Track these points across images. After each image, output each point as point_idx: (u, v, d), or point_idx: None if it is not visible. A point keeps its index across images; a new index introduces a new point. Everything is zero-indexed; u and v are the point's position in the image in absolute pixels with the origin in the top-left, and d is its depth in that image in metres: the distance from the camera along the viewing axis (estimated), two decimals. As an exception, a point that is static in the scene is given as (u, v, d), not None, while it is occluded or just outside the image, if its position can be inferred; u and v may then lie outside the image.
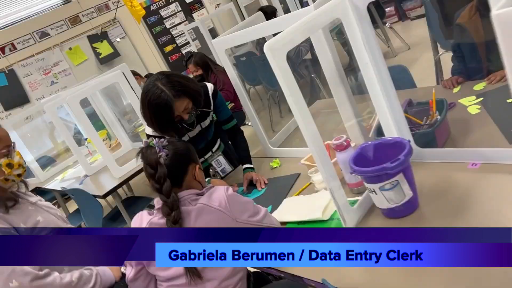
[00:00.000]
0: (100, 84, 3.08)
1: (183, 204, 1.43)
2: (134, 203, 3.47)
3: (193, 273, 1.38)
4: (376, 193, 1.35)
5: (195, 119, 2.07)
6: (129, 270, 1.51)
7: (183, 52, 7.56)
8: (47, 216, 1.57)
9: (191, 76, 4.21)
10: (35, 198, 1.67)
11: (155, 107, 1.85)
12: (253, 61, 5.01)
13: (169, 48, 7.55)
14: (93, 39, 6.82)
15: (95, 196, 3.09)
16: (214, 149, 2.28)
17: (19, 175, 1.56)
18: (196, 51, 5.73)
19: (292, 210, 1.67)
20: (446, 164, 1.54)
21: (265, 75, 4.82)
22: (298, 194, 1.82)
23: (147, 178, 1.49)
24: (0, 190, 1.54)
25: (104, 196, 3.03)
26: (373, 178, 1.33)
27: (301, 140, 2.33)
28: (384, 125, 1.59)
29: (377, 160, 1.44)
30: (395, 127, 1.57)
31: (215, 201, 1.42)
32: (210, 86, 2.15)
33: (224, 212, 1.41)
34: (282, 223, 1.60)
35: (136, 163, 3.17)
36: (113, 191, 3.06)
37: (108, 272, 1.62)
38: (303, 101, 1.32)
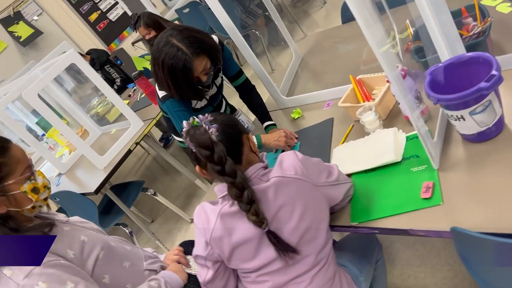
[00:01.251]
0: (56, 69, 2.66)
1: (254, 183, 1.22)
2: (125, 190, 3.19)
3: (291, 251, 1.20)
4: (464, 119, 1.22)
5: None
6: (204, 272, 1.31)
7: (110, 17, 6.90)
8: (89, 233, 1.31)
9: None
10: (61, 216, 1.39)
11: (172, 69, 1.60)
12: (200, 11, 4.62)
13: (94, 16, 6.84)
14: (7, 22, 6.01)
15: (84, 195, 2.77)
16: (223, 108, 2.05)
17: (45, 199, 1.28)
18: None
19: (351, 159, 1.51)
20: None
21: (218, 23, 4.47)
22: (344, 141, 1.65)
23: (198, 163, 1.25)
24: (25, 219, 1.25)
25: (97, 191, 2.71)
26: (461, 104, 1.18)
27: (316, 83, 2.16)
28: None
29: (450, 83, 1.30)
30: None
31: (289, 169, 1.23)
32: (214, 37, 1.87)
33: (303, 179, 1.23)
34: (347, 175, 1.45)
35: (119, 148, 2.86)
36: (104, 183, 2.75)
37: (175, 277, 1.41)
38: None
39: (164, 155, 3.26)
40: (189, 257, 1.56)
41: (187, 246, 1.62)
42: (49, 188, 1.30)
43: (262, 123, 1.98)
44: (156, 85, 1.86)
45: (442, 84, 1.31)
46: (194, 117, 1.22)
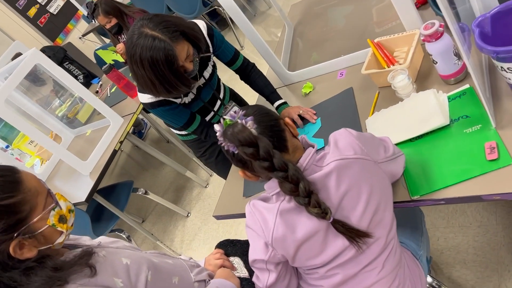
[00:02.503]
0: (20, 72, 2.36)
1: (312, 171, 1.09)
2: (113, 193, 2.97)
3: (364, 236, 1.09)
4: (523, 71, 1.13)
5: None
6: (264, 276, 1.18)
7: (51, 10, 6.39)
8: (128, 254, 1.14)
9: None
10: (86, 239, 1.22)
11: (152, 62, 1.40)
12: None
13: (32, 11, 6.29)
14: None
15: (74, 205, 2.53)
16: (221, 96, 1.88)
17: (72, 224, 1.09)
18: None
19: (392, 128, 1.41)
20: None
21: (176, 2, 4.21)
22: (373, 111, 1.55)
23: (243, 165, 1.10)
24: (56, 252, 1.06)
25: (87, 199, 2.49)
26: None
27: (321, 53, 2.02)
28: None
29: (497, 34, 1.21)
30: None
31: (347, 149, 1.11)
32: (201, 23, 1.69)
33: (364, 158, 1.11)
34: (391, 146, 1.34)
35: (102, 149, 2.64)
36: (94, 190, 2.53)
37: (228, 284, 1.27)
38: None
39: (150, 150, 3.05)
40: (231, 258, 1.43)
41: (225, 247, 1.48)
42: (73, 211, 1.12)
43: (272, 103, 1.83)
44: (137, 89, 1.66)
45: (489, 35, 1.22)
46: (224, 117, 1.06)
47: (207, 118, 1.84)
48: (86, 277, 0.99)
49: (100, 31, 5.55)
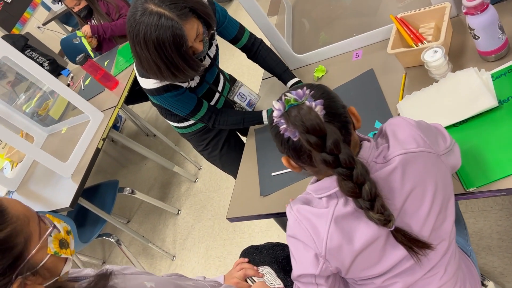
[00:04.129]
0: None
1: (372, 169, 0.94)
2: (97, 194, 2.73)
3: (424, 247, 0.95)
4: None
5: None
6: None
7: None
8: (149, 278, 0.95)
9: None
10: (88, 271, 1.03)
11: (158, 43, 1.23)
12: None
13: (-17, -1, 5.80)
14: None
15: (56, 212, 2.30)
16: (221, 84, 1.71)
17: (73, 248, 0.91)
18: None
19: (432, 112, 1.27)
20: None
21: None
22: (403, 94, 1.41)
23: (295, 153, 0.93)
24: (63, 285, 0.87)
25: (72, 204, 2.25)
26: None
27: (330, 33, 1.85)
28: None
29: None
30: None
31: (409, 142, 0.96)
32: None
33: (427, 150, 0.97)
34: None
35: (83, 148, 2.40)
36: (79, 194, 2.29)
37: None
38: None
39: (132, 145, 2.82)
40: (261, 268, 1.27)
41: (251, 255, 1.32)
42: (71, 232, 0.93)
43: (285, 83, 1.67)
44: (138, 74, 1.47)
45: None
46: (287, 93, 0.89)
47: (212, 103, 1.68)
48: None
49: (63, 19, 5.16)
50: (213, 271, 2.53)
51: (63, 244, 0.85)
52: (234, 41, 1.64)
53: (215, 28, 1.56)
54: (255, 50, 1.67)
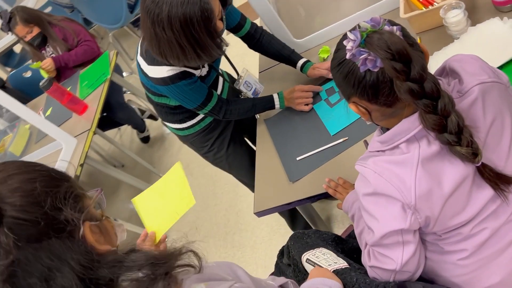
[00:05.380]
0: None
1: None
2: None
3: (508, 181, 0.90)
4: None
5: None
6: (397, 252, 0.93)
7: None
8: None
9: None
10: None
11: (185, 20, 1.15)
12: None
13: None
14: None
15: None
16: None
17: None
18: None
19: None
20: None
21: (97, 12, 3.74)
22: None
23: (371, 89, 0.84)
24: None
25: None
26: None
27: (327, 17, 1.82)
28: None
29: None
30: None
31: (480, 73, 0.92)
32: None
33: (498, 81, 0.94)
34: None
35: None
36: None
37: (331, 283, 0.99)
38: None
39: (108, 170, 2.60)
40: (318, 250, 1.14)
41: (303, 239, 1.20)
42: None
43: (295, 64, 1.61)
44: (146, 63, 1.35)
45: None
46: (359, 24, 0.82)
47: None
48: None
49: (2, 60, 4.82)
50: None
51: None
52: (237, 28, 1.57)
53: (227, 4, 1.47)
54: (258, 36, 1.61)
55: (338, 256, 1.13)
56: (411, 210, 0.88)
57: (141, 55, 1.39)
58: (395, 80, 0.81)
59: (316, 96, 1.55)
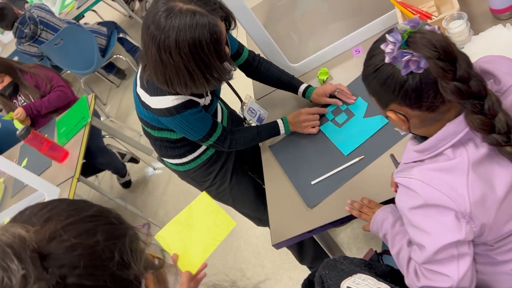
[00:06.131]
0: None
1: None
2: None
3: None
4: None
5: None
6: (452, 267, 0.87)
7: None
8: None
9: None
10: None
11: (195, 44, 1.09)
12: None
13: None
14: None
15: None
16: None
17: None
18: None
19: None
20: None
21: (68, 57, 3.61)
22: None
23: (414, 93, 0.80)
24: None
25: None
26: None
27: (318, 40, 1.80)
28: None
29: None
30: None
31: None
32: None
33: None
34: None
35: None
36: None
37: None
38: None
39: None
40: (357, 276, 1.06)
41: (337, 267, 1.11)
42: None
43: (297, 90, 1.58)
44: (149, 94, 1.28)
45: None
46: (397, 26, 0.79)
47: None
48: None
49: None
50: None
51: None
52: (235, 57, 1.53)
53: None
54: (257, 64, 1.57)
55: (379, 280, 1.05)
56: (465, 219, 0.83)
57: (142, 86, 1.31)
58: (441, 80, 0.77)
59: (322, 117, 1.51)
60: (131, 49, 4.00)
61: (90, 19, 4.29)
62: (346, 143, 1.39)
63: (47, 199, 2.17)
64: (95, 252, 0.48)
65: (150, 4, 1.16)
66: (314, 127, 1.49)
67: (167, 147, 1.52)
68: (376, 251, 1.41)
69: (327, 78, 1.62)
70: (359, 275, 1.07)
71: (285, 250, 1.92)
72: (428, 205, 0.85)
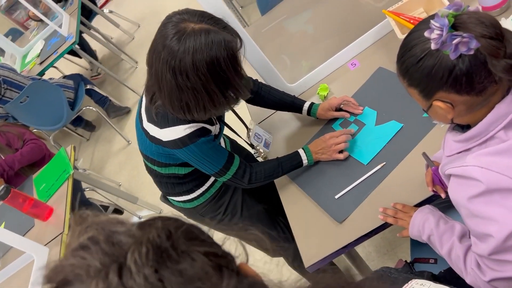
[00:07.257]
0: None
1: None
2: None
3: None
4: None
5: None
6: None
7: None
8: None
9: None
10: None
11: (211, 64, 1.05)
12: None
13: None
14: None
15: None
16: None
17: None
18: None
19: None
20: None
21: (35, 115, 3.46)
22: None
23: (465, 77, 0.79)
24: None
25: None
26: None
27: (312, 59, 1.80)
28: None
29: None
30: None
31: None
32: None
33: None
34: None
35: None
36: None
37: None
38: None
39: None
40: (414, 282, 1.00)
41: (392, 275, 1.05)
42: None
43: (301, 109, 1.54)
44: (159, 127, 1.22)
45: None
46: (439, 12, 0.78)
47: None
48: None
49: None
50: None
51: None
52: None
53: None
54: (257, 88, 1.54)
55: (436, 284, 1.00)
56: None
57: (150, 121, 1.24)
58: (491, 59, 0.76)
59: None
60: (99, 100, 3.90)
61: (52, 75, 4.17)
62: (363, 153, 1.37)
63: (36, 260, 2.00)
64: None
65: (157, 30, 1.11)
66: (341, 152, 1.39)
67: (174, 184, 1.43)
68: (406, 261, 1.37)
69: (327, 93, 1.61)
70: (416, 280, 1.01)
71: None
72: (490, 190, 0.82)
